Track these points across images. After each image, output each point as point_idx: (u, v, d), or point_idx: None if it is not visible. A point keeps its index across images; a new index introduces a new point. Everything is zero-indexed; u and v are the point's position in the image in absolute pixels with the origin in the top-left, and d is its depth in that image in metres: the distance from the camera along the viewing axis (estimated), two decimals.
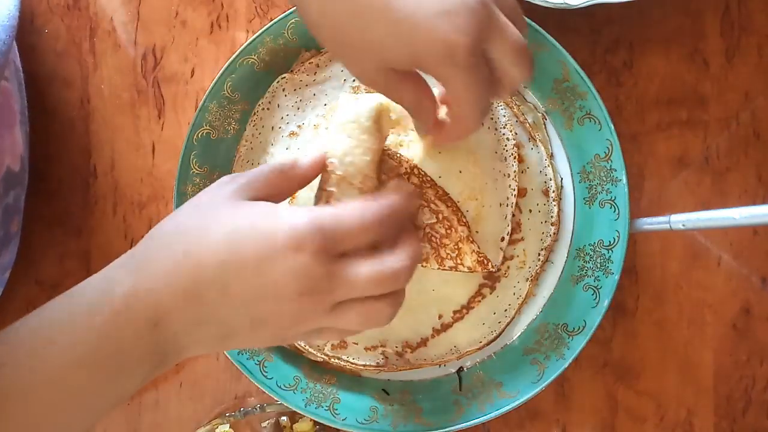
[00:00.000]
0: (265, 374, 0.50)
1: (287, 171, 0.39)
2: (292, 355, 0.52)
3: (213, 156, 0.52)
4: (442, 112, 0.42)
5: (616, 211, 0.50)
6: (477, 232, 0.48)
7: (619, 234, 0.49)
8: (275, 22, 0.50)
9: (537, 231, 0.51)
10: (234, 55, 0.50)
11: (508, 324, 0.51)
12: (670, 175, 0.54)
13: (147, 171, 0.56)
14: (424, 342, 0.51)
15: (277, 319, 0.35)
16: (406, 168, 0.44)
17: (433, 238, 0.45)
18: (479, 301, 0.50)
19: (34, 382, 0.34)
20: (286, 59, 0.52)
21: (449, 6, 0.34)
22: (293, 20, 0.50)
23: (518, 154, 0.51)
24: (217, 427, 0.53)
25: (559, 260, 0.52)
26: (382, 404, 0.51)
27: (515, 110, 0.51)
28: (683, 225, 0.44)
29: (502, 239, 0.49)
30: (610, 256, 0.50)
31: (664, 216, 0.45)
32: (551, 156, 0.52)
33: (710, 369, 0.53)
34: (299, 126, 0.52)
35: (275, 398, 0.50)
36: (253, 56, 0.51)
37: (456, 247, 0.45)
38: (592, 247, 0.51)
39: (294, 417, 0.53)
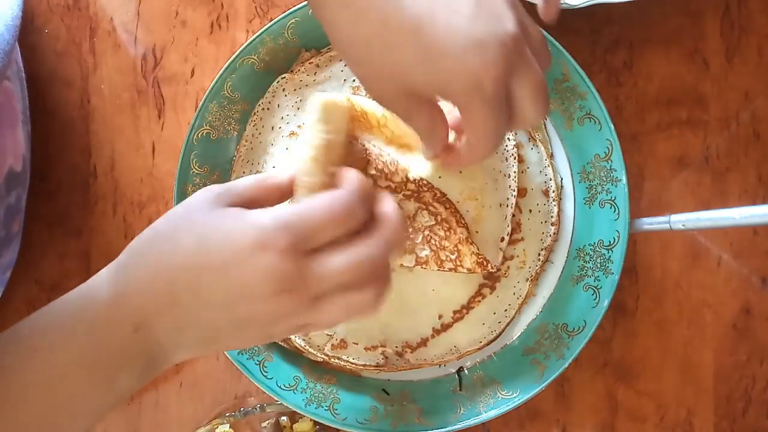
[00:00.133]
0: (265, 374, 0.50)
1: (265, 180, 0.39)
2: (292, 355, 0.52)
3: (213, 156, 0.52)
4: (451, 136, 0.42)
5: (616, 211, 0.50)
6: (477, 232, 0.48)
7: (619, 234, 0.49)
8: (275, 22, 0.50)
9: (537, 231, 0.51)
10: (234, 55, 0.50)
11: (508, 324, 0.51)
12: (670, 175, 0.54)
13: (147, 171, 0.56)
14: (424, 342, 0.51)
15: (257, 320, 0.35)
16: (402, 176, 0.44)
17: (432, 240, 0.45)
18: (479, 301, 0.50)
19: (28, 387, 0.35)
20: (286, 59, 0.52)
21: (481, 37, 0.33)
22: (293, 20, 0.50)
23: (518, 154, 0.51)
24: (217, 427, 0.53)
25: (559, 260, 0.52)
26: (382, 404, 0.51)
27: None
28: (683, 225, 0.44)
29: (502, 240, 0.49)
30: (610, 256, 0.50)
31: (664, 216, 0.45)
32: (551, 156, 0.52)
33: (710, 369, 0.53)
34: (299, 126, 0.52)
35: (275, 398, 0.50)
36: (253, 56, 0.51)
37: (455, 248, 0.45)
38: (592, 247, 0.51)
39: (294, 417, 0.53)
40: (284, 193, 0.39)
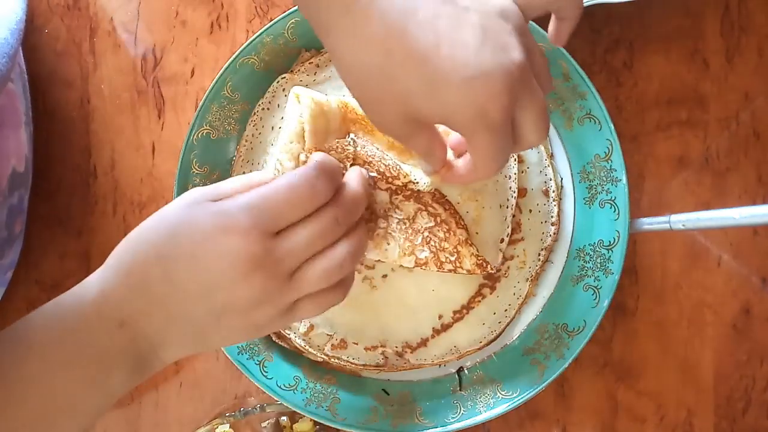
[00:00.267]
0: (265, 374, 0.50)
1: (251, 180, 0.39)
2: (292, 355, 0.52)
3: (213, 156, 0.52)
4: (450, 153, 0.42)
5: (616, 211, 0.50)
6: (477, 233, 0.48)
7: (619, 234, 0.49)
8: (275, 22, 0.50)
9: (537, 231, 0.51)
10: (234, 55, 0.50)
11: (508, 324, 0.51)
12: (670, 175, 0.54)
13: (147, 171, 0.56)
14: (424, 342, 0.51)
15: (235, 306, 0.36)
16: (403, 179, 0.44)
17: (431, 241, 0.45)
18: (479, 301, 0.50)
19: (23, 386, 0.36)
20: (286, 59, 0.52)
21: (487, 68, 0.33)
22: (293, 20, 0.50)
23: (518, 155, 0.51)
24: (217, 427, 0.53)
25: (559, 260, 0.52)
26: (382, 404, 0.51)
27: None
28: (683, 225, 0.44)
29: (502, 240, 0.49)
30: (610, 256, 0.50)
31: (664, 216, 0.45)
32: (551, 156, 0.52)
33: (710, 369, 0.53)
34: None
35: (275, 398, 0.50)
36: (253, 56, 0.51)
37: (455, 250, 0.45)
38: (592, 247, 0.51)
39: (294, 417, 0.53)
40: None
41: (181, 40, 0.56)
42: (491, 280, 0.51)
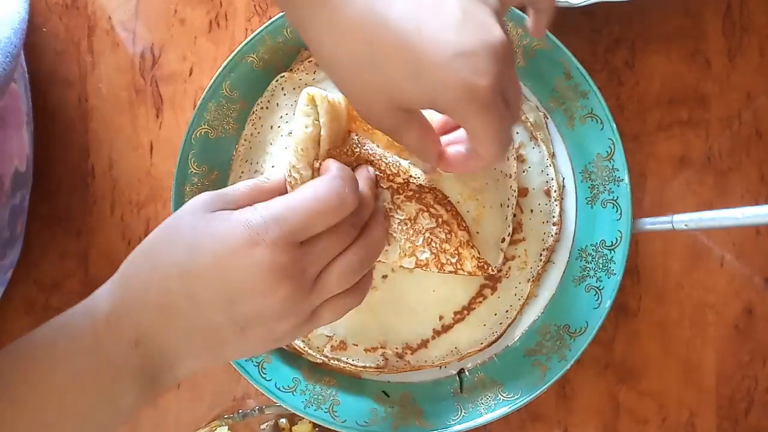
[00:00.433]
0: (264, 376, 0.50)
1: (262, 185, 0.38)
2: (291, 357, 0.52)
3: (211, 155, 0.52)
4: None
5: (619, 211, 0.49)
6: (478, 233, 0.48)
7: (622, 234, 0.49)
8: (274, 21, 0.50)
9: (538, 231, 0.51)
10: (233, 54, 0.50)
11: (509, 325, 0.51)
12: (672, 175, 0.53)
13: (145, 170, 0.55)
14: (424, 343, 0.50)
15: (262, 316, 0.35)
16: (404, 177, 0.44)
17: (433, 242, 0.45)
18: (480, 302, 0.50)
19: (33, 402, 0.35)
20: (285, 58, 0.52)
21: (469, 47, 0.33)
22: None
23: (519, 154, 0.50)
24: (216, 429, 0.53)
25: (560, 261, 0.51)
26: (382, 406, 0.50)
27: None
28: (686, 225, 0.44)
29: (503, 240, 0.49)
30: (612, 257, 0.49)
31: (666, 216, 0.45)
32: (553, 155, 0.51)
33: (712, 370, 0.53)
34: None
35: (274, 400, 0.50)
36: (252, 55, 0.51)
37: (456, 251, 0.45)
38: (594, 248, 0.50)
39: (293, 419, 0.53)
40: (282, 195, 0.39)
41: (180, 38, 0.55)
42: (492, 281, 0.50)
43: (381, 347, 0.50)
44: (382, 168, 0.44)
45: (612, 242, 0.50)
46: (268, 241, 0.34)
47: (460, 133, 0.42)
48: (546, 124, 0.52)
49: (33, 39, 0.56)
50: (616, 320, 0.53)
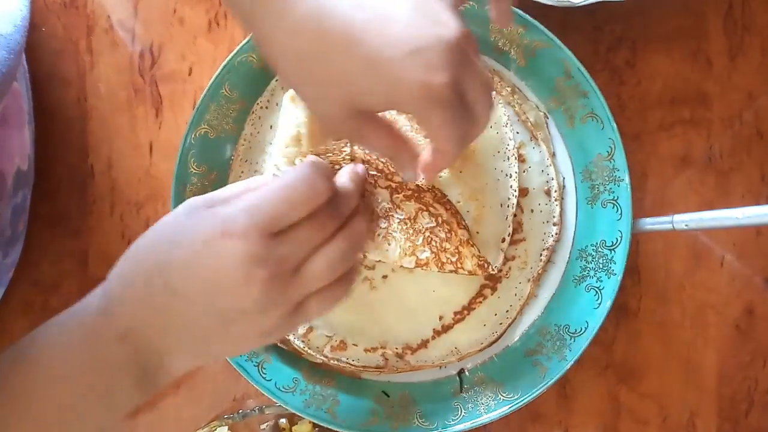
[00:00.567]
0: (264, 376, 0.50)
1: (250, 185, 0.38)
2: (291, 357, 0.52)
3: (211, 155, 0.51)
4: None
5: (619, 211, 0.49)
6: (478, 232, 0.48)
7: (622, 234, 0.49)
8: None
9: (539, 231, 0.51)
10: (232, 54, 0.50)
11: (509, 325, 0.51)
12: (673, 175, 0.53)
13: (144, 170, 0.55)
14: (424, 343, 0.50)
15: (244, 310, 0.35)
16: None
17: (433, 242, 0.45)
18: (480, 302, 0.50)
19: (30, 402, 0.36)
20: None
21: (423, 43, 0.32)
22: None
23: (519, 154, 0.50)
24: (216, 430, 0.53)
25: (561, 261, 0.51)
26: (382, 406, 0.50)
27: (517, 109, 0.51)
28: (686, 225, 0.44)
29: (503, 240, 0.49)
30: (612, 257, 0.49)
31: (667, 216, 0.45)
32: (553, 155, 0.51)
33: (713, 370, 0.53)
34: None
35: (274, 400, 0.50)
36: (251, 54, 0.50)
37: (456, 250, 0.45)
38: (594, 248, 0.50)
39: (293, 419, 0.53)
40: None
41: (179, 38, 0.55)
42: (492, 281, 0.50)
43: (381, 347, 0.50)
44: (380, 167, 0.44)
45: (612, 242, 0.49)
46: (240, 231, 0.33)
47: None
48: (546, 123, 0.51)
49: (31, 38, 0.55)
50: (617, 320, 0.53)
